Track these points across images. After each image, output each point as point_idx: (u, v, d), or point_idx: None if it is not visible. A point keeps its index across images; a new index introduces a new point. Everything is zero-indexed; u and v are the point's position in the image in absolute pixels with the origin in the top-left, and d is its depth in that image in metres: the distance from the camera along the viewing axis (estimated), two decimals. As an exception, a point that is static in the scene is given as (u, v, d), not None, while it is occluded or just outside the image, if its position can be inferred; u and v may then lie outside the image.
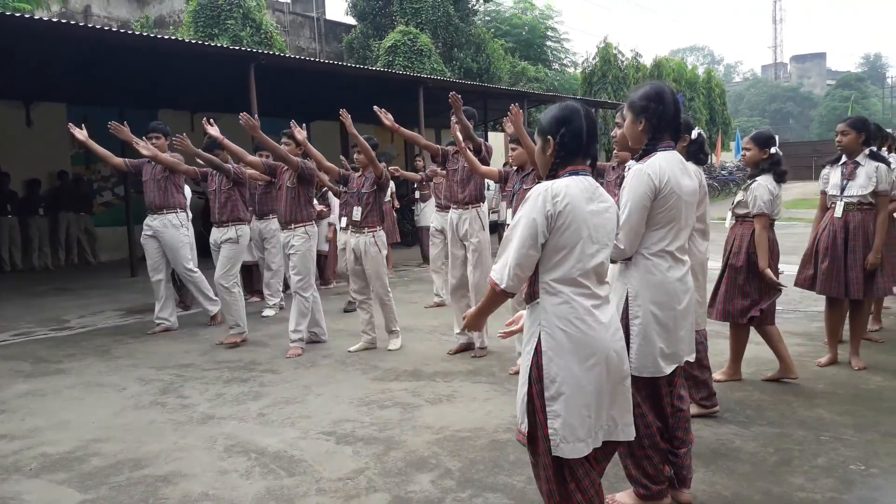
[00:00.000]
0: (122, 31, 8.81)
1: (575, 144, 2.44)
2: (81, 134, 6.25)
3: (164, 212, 6.72)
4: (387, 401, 4.57)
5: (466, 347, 5.72)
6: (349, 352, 5.91)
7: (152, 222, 6.77)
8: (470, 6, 22.03)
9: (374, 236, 5.76)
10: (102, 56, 9.58)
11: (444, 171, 6.09)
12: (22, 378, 5.44)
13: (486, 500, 3.18)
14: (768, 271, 4.39)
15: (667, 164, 2.81)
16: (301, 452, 3.79)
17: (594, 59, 24.92)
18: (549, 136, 2.48)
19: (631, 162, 2.96)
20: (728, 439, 3.77)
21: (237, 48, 10.37)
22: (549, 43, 29.48)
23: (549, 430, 2.36)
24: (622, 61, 25.10)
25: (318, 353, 5.89)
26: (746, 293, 4.51)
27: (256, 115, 9.05)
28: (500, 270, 2.38)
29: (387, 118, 5.73)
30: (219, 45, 10.22)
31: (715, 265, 4.49)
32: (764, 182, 4.44)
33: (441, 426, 4.09)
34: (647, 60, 27.05)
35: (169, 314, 6.86)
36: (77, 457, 3.84)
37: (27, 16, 7.83)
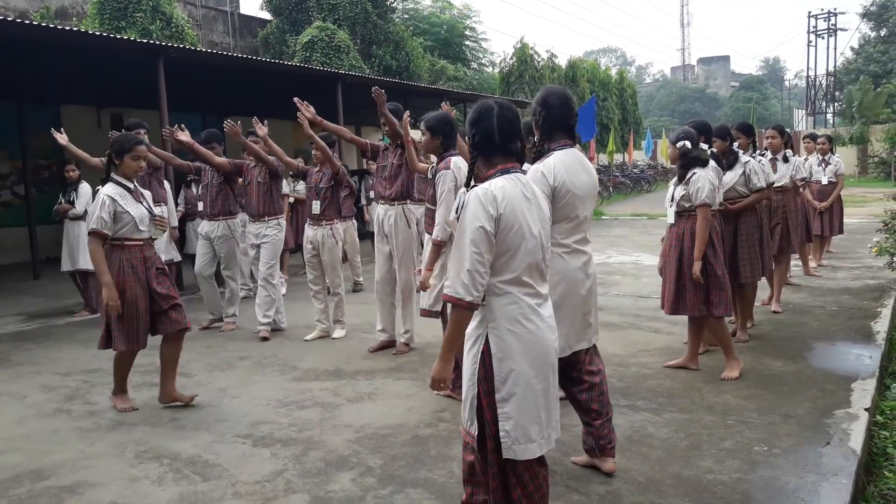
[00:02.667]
0: (19, 21, 8.31)
1: (487, 143, 2.44)
2: (62, 138, 5.95)
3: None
4: (306, 401, 4.51)
5: (387, 345, 5.70)
6: (305, 340, 6.16)
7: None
8: (388, 3, 21.93)
9: (331, 229, 6.10)
10: (-2, 48, 9.03)
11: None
12: None
13: (407, 496, 3.18)
14: (698, 264, 4.57)
15: (561, 163, 3.03)
16: (216, 456, 3.69)
17: (511, 59, 25.27)
18: (467, 136, 2.53)
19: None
20: (641, 426, 3.90)
21: (145, 41, 9.98)
22: (467, 42, 29.69)
23: (501, 433, 2.35)
24: (538, 62, 25.53)
25: (234, 354, 5.75)
26: (704, 286, 4.64)
27: (166, 111, 8.76)
28: (460, 284, 2.28)
29: (308, 110, 5.64)
30: (125, 38, 9.76)
31: (651, 262, 4.67)
32: (704, 174, 4.60)
33: (362, 424, 4.06)
34: (563, 61, 27.66)
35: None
36: (-28, 471, 3.61)
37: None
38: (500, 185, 2.34)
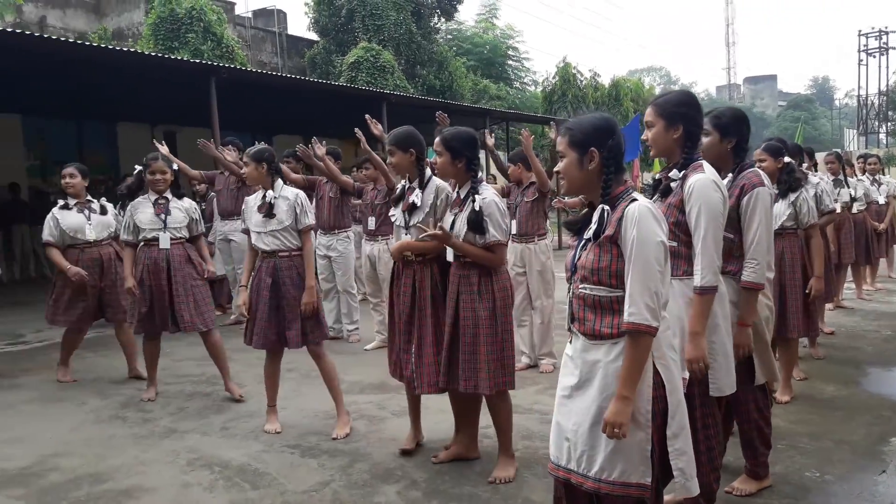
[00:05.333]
0: (79, 42, 8.67)
1: (621, 157, 2.23)
2: (164, 149, 6.21)
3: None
4: (352, 413, 4.57)
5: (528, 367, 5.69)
6: (365, 350, 6.38)
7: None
8: (432, 24, 22.25)
9: (387, 243, 6.19)
10: (60, 68, 9.42)
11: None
12: (-26, 394, 5.29)
13: (452, 510, 3.20)
14: (820, 281, 4.50)
15: (714, 172, 2.72)
16: (265, 465, 3.77)
17: (554, 78, 25.28)
18: (591, 148, 2.21)
19: (675, 172, 2.80)
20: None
21: (199, 61, 10.31)
22: (510, 62, 29.89)
23: (675, 472, 2.18)
24: (581, 81, 25.51)
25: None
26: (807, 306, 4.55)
27: (217, 129, 9.01)
28: (646, 309, 2.07)
29: (377, 127, 5.62)
30: (178, 58, 10.12)
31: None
32: (804, 194, 4.54)
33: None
34: (606, 80, 27.58)
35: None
36: (34, 472, 3.76)
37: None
38: (653, 207, 2.17)
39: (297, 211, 4.18)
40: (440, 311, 3.63)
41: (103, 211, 5.57)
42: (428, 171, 3.85)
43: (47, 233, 5.35)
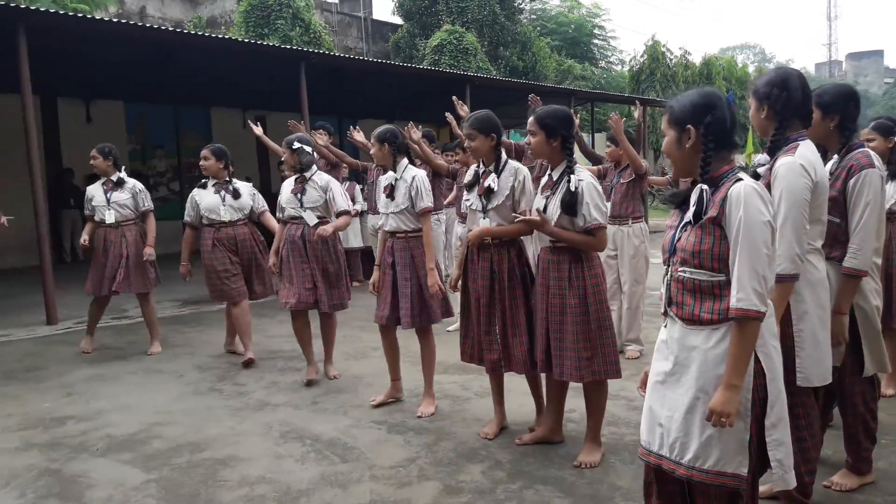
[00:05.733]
0: (177, 30, 9.05)
1: (723, 135, 2.14)
2: (258, 130, 6.55)
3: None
4: (436, 393, 4.62)
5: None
6: (448, 331, 6.18)
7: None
8: (516, 4, 22.04)
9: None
10: (158, 55, 9.86)
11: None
12: (86, 363, 5.67)
13: (537, 492, 3.21)
14: None
15: (811, 154, 2.60)
16: (353, 440, 3.88)
17: (642, 57, 24.65)
18: (688, 126, 2.15)
19: (761, 157, 2.75)
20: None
21: (290, 47, 10.59)
22: (595, 41, 29.26)
23: (773, 462, 2.13)
24: (670, 59, 24.76)
25: (368, 345, 5.99)
26: None
27: (307, 114, 9.22)
28: (755, 294, 2.01)
29: (463, 108, 5.71)
30: (270, 44, 10.41)
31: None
32: None
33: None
34: (697, 58, 26.65)
35: None
36: (140, 439, 3.99)
37: (87, 16, 8.12)
38: (759, 190, 2.09)
39: (413, 193, 4.18)
40: (517, 292, 3.65)
41: (236, 194, 5.55)
42: (504, 155, 3.82)
43: (186, 213, 5.59)
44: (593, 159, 6.31)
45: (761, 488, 2.51)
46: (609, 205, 5.46)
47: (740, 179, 2.09)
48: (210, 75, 11.33)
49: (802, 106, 2.70)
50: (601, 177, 5.75)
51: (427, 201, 4.20)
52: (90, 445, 3.92)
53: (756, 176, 2.63)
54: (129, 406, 4.57)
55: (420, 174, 4.25)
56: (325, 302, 4.84)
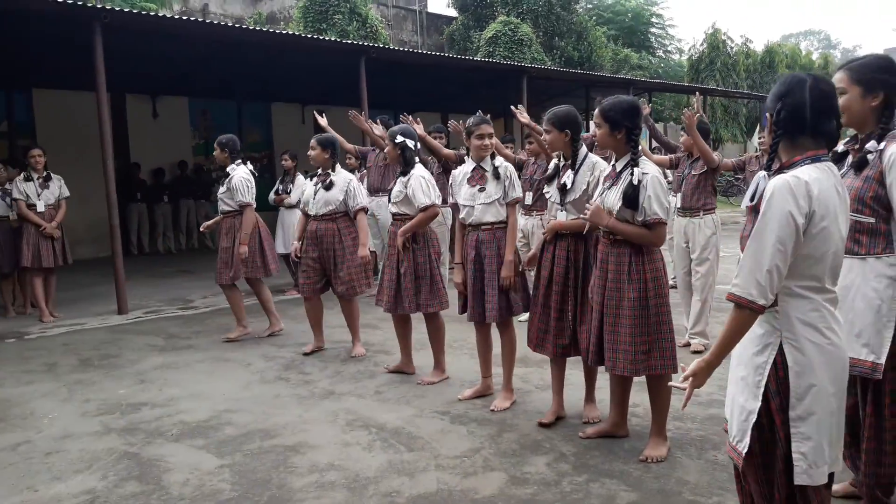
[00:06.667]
0: (240, 26, 9.24)
1: (795, 122, 2.09)
2: (323, 121, 6.67)
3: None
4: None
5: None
6: (519, 321, 5.87)
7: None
8: (572, -6, 21.74)
9: (540, 219, 6.13)
10: (221, 51, 10.10)
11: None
12: (156, 352, 5.88)
13: (603, 485, 3.20)
14: None
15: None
16: (418, 429, 3.93)
17: (701, 45, 24.10)
18: (768, 114, 2.17)
19: (872, 143, 2.62)
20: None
21: (349, 42, 10.71)
22: (653, 30, 28.68)
23: (795, 455, 2.09)
24: (731, 47, 24.14)
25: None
26: None
27: (366, 108, 9.32)
28: (754, 285, 2.00)
29: (523, 116, 5.67)
30: (329, 38, 10.55)
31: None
32: None
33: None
34: (758, 46, 25.91)
35: None
36: (212, 425, 4.13)
37: (162, 15, 8.37)
38: (814, 177, 2.02)
39: (506, 184, 4.19)
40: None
41: (328, 186, 5.41)
42: (584, 150, 3.83)
43: (302, 200, 5.72)
44: (668, 148, 6.26)
45: (835, 487, 2.46)
46: (679, 195, 5.47)
47: (780, 172, 2.08)
48: (271, 71, 11.55)
49: None
50: (673, 166, 5.75)
51: (519, 191, 4.23)
52: (165, 431, 4.07)
53: (864, 163, 2.58)
54: (200, 393, 4.73)
55: (510, 166, 4.29)
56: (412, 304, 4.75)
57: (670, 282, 3.76)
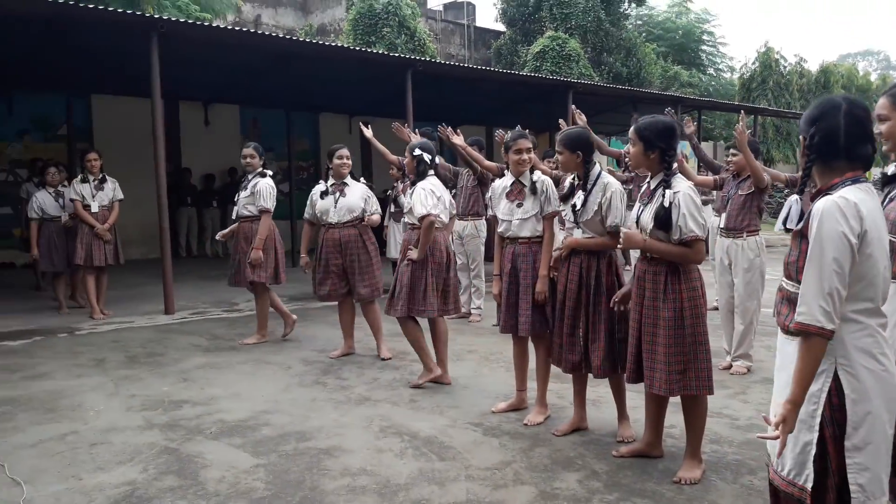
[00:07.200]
0: (291, 38, 9.47)
1: (829, 146, 2.10)
2: (368, 132, 6.78)
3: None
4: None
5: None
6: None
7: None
8: (622, 10, 21.68)
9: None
10: (272, 62, 10.35)
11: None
12: (200, 352, 6.04)
13: (634, 504, 3.18)
14: None
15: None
16: (450, 439, 3.96)
17: (753, 64, 23.75)
18: (801, 136, 2.19)
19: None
20: None
21: (397, 55, 10.87)
22: (704, 47, 28.40)
23: (853, 487, 2.03)
24: (784, 67, 23.72)
25: (463, 348, 6.07)
26: None
27: (411, 120, 9.43)
28: (819, 311, 1.97)
29: (581, 118, 5.86)
30: (377, 51, 10.72)
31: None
32: None
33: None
34: (813, 66, 25.40)
35: None
36: (250, 425, 4.23)
37: (218, 26, 8.64)
38: (860, 197, 2.00)
39: (542, 199, 4.22)
40: (602, 300, 3.77)
41: (346, 195, 5.63)
42: (596, 170, 3.90)
43: (306, 210, 5.85)
44: (712, 168, 6.15)
45: None
46: (724, 215, 5.41)
47: (827, 195, 2.05)
48: (320, 81, 11.77)
49: None
50: (718, 187, 5.66)
51: (555, 205, 4.19)
52: (205, 428, 4.18)
53: (889, 180, 2.55)
54: (239, 394, 4.84)
55: (548, 179, 4.31)
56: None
57: (713, 303, 3.75)
